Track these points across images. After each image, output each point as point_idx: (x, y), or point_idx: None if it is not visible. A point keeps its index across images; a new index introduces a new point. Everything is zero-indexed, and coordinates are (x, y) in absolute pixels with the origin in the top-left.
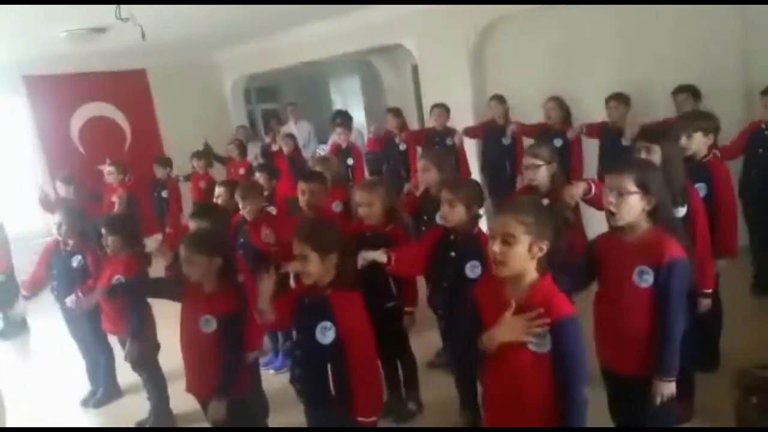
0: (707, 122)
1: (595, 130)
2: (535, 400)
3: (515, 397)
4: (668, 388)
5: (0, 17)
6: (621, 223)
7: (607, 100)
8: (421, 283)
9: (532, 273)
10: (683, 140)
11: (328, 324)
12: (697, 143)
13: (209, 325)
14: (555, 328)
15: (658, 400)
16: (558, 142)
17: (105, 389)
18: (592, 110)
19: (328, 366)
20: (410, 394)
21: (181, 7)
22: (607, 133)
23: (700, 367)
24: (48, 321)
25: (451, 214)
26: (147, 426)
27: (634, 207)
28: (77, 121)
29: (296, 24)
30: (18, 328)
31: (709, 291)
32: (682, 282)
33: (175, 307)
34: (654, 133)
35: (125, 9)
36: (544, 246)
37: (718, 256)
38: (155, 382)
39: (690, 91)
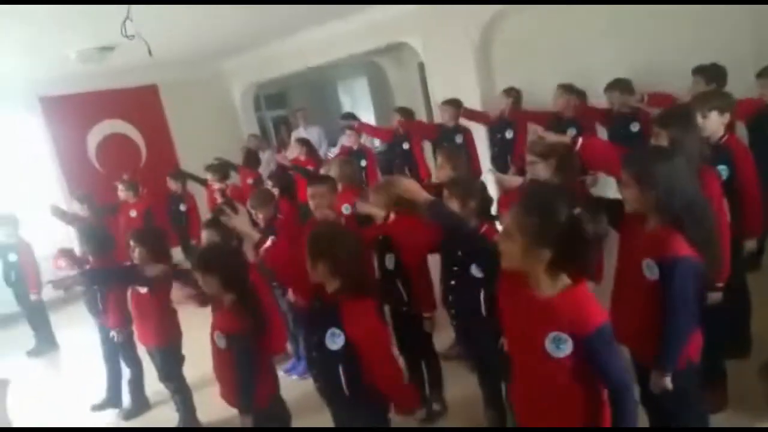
0: (722, 101)
1: (598, 117)
2: (557, 402)
3: (538, 400)
4: (664, 382)
5: (13, 39)
6: (631, 211)
7: (606, 88)
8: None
9: (551, 276)
10: (699, 121)
11: (337, 331)
12: (713, 123)
13: (221, 341)
14: (587, 341)
15: (656, 392)
16: (572, 132)
17: (133, 402)
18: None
19: (340, 368)
20: (435, 394)
21: (186, 21)
22: (613, 121)
23: (732, 353)
24: (75, 334)
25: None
26: None
27: (633, 200)
28: (94, 139)
29: (300, 29)
30: (49, 345)
31: (721, 285)
32: (684, 281)
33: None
34: (663, 117)
35: (131, 26)
36: (545, 255)
37: (745, 237)
38: (182, 392)
39: (706, 72)
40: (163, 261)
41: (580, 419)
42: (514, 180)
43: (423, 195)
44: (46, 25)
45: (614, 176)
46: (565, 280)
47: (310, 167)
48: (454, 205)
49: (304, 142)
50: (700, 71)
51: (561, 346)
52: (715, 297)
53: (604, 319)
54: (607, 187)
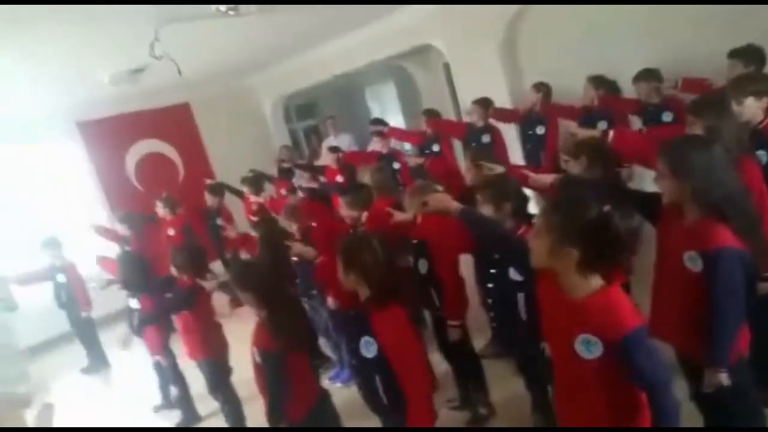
0: (759, 84)
1: (629, 108)
2: (590, 403)
3: (573, 401)
4: (719, 378)
5: (49, 69)
6: (668, 202)
7: (634, 79)
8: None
9: (582, 277)
10: (734, 107)
11: (370, 339)
12: (750, 109)
13: (257, 356)
14: (620, 345)
15: (710, 390)
16: (603, 125)
17: (184, 416)
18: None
19: (376, 377)
20: (479, 398)
21: (212, 38)
22: (644, 112)
23: None
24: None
25: (483, 213)
26: None
27: (670, 191)
28: (132, 159)
29: (325, 39)
30: (101, 363)
31: None
32: (730, 272)
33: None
34: (696, 105)
35: (159, 46)
36: (572, 253)
37: None
38: (231, 404)
39: (743, 55)
40: (203, 276)
41: (614, 420)
42: (545, 179)
43: (453, 205)
44: (78, 51)
45: (651, 168)
46: (597, 281)
47: (339, 177)
48: (487, 209)
49: (335, 150)
50: (736, 54)
51: (591, 349)
52: (764, 287)
53: (637, 324)
54: (645, 179)
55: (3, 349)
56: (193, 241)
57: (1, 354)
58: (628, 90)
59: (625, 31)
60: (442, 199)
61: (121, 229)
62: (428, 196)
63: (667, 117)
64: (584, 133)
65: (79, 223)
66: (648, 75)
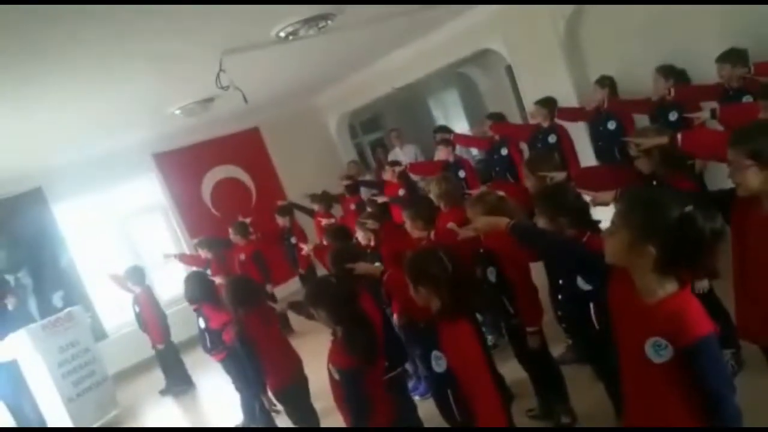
0: None
1: (706, 93)
2: (659, 407)
3: (642, 406)
4: None
5: (126, 106)
6: (745, 194)
7: (718, 59)
8: None
9: (658, 278)
10: None
11: (438, 354)
12: None
13: (334, 373)
14: (690, 350)
15: None
16: (673, 116)
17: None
18: (713, 74)
19: (448, 391)
20: (561, 406)
21: (274, 65)
22: (726, 95)
23: None
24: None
25: (540, 225)
26: None
27: (752, 181)
28: (207, 186)
29: (385, 54)
30: (185, 385)
31: None
32: None
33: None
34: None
35: (224, 77)
36: (650, 251)
37: None
38: (306, 422)
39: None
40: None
41: (683, 424)
42: (605, 196)
43: (503, 222)
44: (150, 87)
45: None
46: (672, 284)
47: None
48: (543, 222)
49: (394, 164)
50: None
51: (661, 352)
52: None
53: (710, 330)
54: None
55: (95, 376)
56: (259, 264)
57: (94, 380)
58: (697, 78)
59: (696, 14)
60: (489, 221)
61: (203, 254)
62: (476, 221)
63: (747, 100)
64: (650, 142)
65: (159, 251)
66: (733, 55)
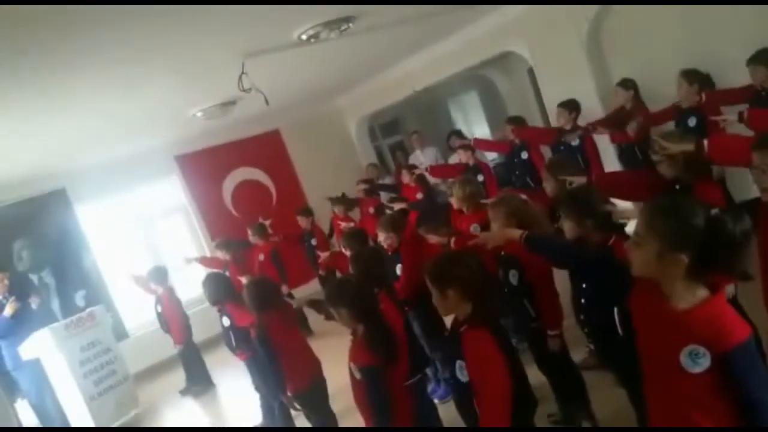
0: None
1: (737, 96)
2: (695, 418)
3: (674, 418)
4: None
5: (148, 109)
6: None
7: (749, 61)
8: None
9: (689, 285)
10: None
11: (462, 363)
12: None
13: (355, 372)
14: (729, 356)
15: None
16: (692, 122)
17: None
18: (739, 78)
19: (474, 402)
20: (582, 412)
21: (295, 67)
22: (758, 97)
23: None
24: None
25: (566, 228)
26: None
27: None
28: (228, 188)
29: (405, 56)
30: (205, 385)
31: None
32: None
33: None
34: None
35: (246, 79)
36: (682, 260)
37: None
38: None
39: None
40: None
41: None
42: (626, 209)
43: (515, 234)
44: (173, 92)
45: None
46: (702, 291)
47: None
48: (569, 226)
49: (412, 168)
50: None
51: (698, 361)
52: None
53: (748, 334)
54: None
55: (116, 376)
56: (277, 264)
57: (115, 380)
58: (722, 83)
59: (723, 16)
60: (504, 233)
61: (222, 255)
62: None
63: None
64: (677, 147)
65: (181, 252)
66: (765, 56)
